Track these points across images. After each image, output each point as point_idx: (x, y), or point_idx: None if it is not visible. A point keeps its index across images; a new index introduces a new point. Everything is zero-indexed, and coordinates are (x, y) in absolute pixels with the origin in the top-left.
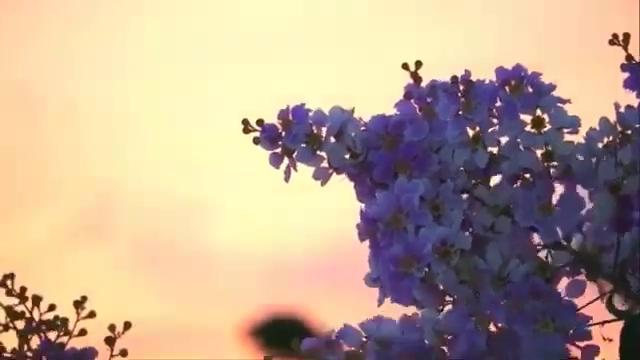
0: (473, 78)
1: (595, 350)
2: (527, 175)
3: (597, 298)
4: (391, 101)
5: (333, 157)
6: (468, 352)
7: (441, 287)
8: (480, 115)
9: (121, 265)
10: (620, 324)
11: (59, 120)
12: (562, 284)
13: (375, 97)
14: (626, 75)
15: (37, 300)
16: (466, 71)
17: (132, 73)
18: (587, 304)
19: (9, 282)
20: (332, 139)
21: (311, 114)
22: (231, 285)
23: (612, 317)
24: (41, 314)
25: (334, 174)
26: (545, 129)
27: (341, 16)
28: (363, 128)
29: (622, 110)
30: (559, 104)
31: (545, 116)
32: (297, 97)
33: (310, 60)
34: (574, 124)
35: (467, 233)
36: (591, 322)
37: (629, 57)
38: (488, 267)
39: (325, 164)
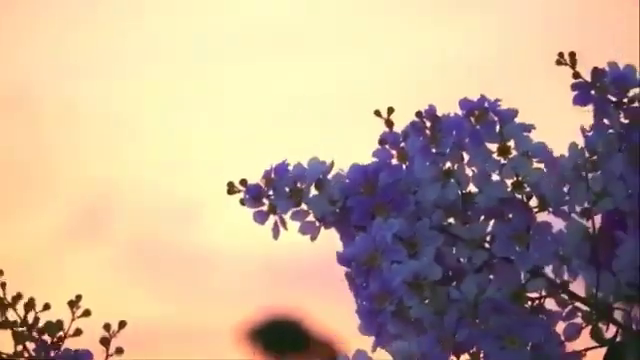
0: (439, 113)
1: None
2: (504, 207)
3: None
4: (392, 101)
5: (314, 208)
6: None
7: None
8: (446, 147)
9: (121, 265)
10: (603, 350)
11: (59, 120)
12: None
13: (375, 97)
14: (575, 93)
15: (31, 304)
16: (430, 106)
17: (131, 73)
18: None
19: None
20: (313, 191)
21: (291, 169)
22: (231, 285)
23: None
24: (36, 313)
25: (322, 228)
26: (511, 156)
27: (341, 16)
28: (344, 179)
29: (589, 134)
30: (524, 131)
31: (511, 143)
32: (297, 97)
33: (310, 60)
34: (539, 150)
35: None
36: (574, 350)
37: (576, 75)
38: (463, 297)
39: (311, 218)
